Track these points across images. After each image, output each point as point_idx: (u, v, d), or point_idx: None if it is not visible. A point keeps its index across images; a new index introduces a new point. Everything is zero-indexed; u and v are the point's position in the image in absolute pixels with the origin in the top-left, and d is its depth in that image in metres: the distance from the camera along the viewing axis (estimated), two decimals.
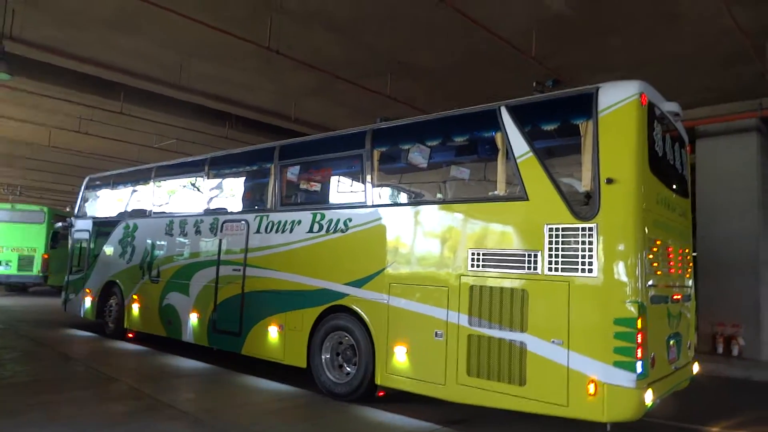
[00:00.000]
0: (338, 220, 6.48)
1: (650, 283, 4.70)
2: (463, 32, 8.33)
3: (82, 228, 11.31)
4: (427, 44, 9.07)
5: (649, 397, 4.38)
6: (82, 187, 11.85)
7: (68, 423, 4.66)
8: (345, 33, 8.79)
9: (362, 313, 6.04)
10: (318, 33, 8.80)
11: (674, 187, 5.62)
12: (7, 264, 18.05)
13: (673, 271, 5.36)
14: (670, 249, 5.29)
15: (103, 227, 10.62)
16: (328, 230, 6.56)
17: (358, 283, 6.14)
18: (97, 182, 11.59)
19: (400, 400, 5.86)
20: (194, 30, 8.53)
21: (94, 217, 11.19)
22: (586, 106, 4.88)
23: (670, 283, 5.30)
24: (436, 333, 5.39)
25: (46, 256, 18.37)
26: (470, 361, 5.11)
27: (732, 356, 10.10)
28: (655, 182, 4.98)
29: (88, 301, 10.59)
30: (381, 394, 5.92)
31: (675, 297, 5.36)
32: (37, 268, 18.36)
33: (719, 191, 10.70)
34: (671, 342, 5.20)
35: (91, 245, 10.82)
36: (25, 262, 18.25)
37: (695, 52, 8.70)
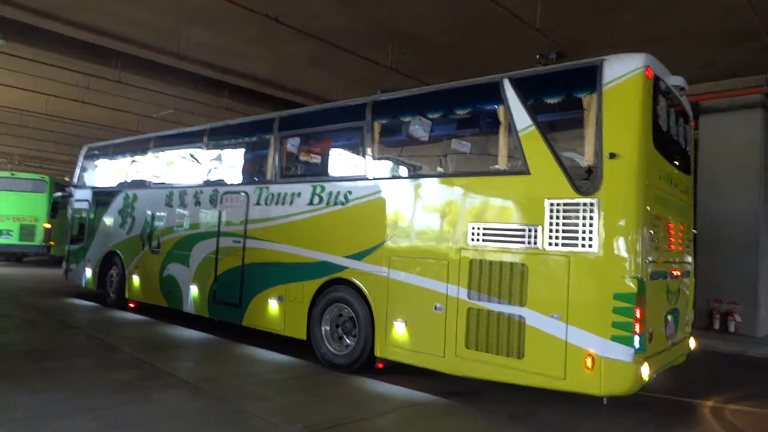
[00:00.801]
0: (338, 193, 6.45)
1: (650, 258, 4.70)
2: (466, 2, 8.15)
3: (81, 198, 11.28)
4: (430, 14, 8.87)
5: (645, 372, 4.42)
6: (81, 157, 11.77)
7: (69, 389, 4.72)
8: (346, 1, 8.60)
9: (362, 285, 6.06)
10: (318, 1, 8.61)
11: (677, 162, 5.58)
12: (7, 233, 17.80)
13: (673, 247, 5.36)
14: (670, 225, 5.28)
15: (102, 197, 10.59)
16: (328, 203, 6.53)
17: (358, 256, 6.15)
18: (96, 152, 11.50)
19: (399, 372, 5.93)
20: None
21: (93, 187, 11.14)
22: (591, 78, 4.80)
23: (670, 259, 5.31)
24: (435, 306, 5.42)
25: (49, 226, 18.08)
26: (469, 334, 5.15)
27: (728, 332, 10.19)
28: (657, 158, 4.94)
29: (89, 271, 10.63)
30: (380, 366, 5.98)
31: (674, 273, 5.37)
32: (39, 238, 18.11)
33: (722, 168, 10.63)
34: (669, 317, 5.23)
35: (91, 215, 10.80)
36: (26, 231, 17.98)
37: (703, 28, 8.53)
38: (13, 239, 17.88)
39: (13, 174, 19.08)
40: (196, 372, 5.75)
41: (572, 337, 4.57)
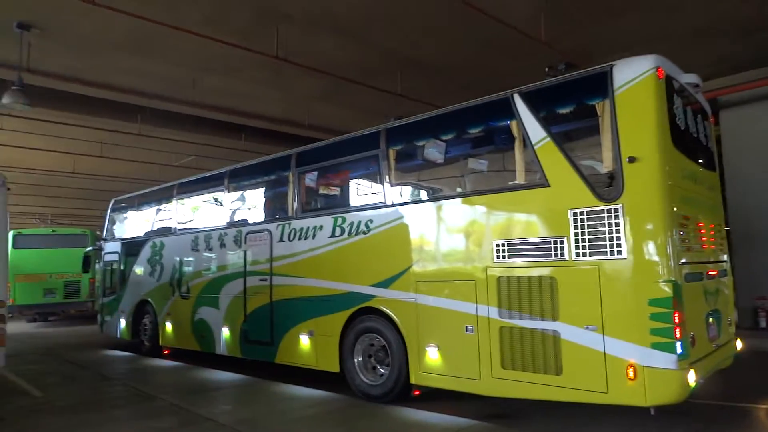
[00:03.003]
0: (359, 222, 6.47)
1: (683, 260, 4.57)
2: (469, 23, 8.25)
3: (111, 250, 11.55)
4: (434, 39, 9.00)
5: (692, 378, 4.25)
6: (108, 210, 12.09)
7: None
8: (350, 35, 8.79)
9: (391, 313, 6.01)
10: (324, 37, 8.82)
11: (700, 160, 5.47)
12: (52, 292, 17.10)
13: (705, 246, 5.21)
14: (700, 224, 5.14)
15: (131, 248, 10.82)
16: (350, 233, 6.55)
17: (385, 284, 6.12)
18: (122, 204, 11.81)
19: (437, 398, 5.82)
20: (202, 45, 8.64)
21: (122, 239, 11.41)
22: (602, 85, 4.77)
23: (704, 259, 5.15)
24: (466, 328, 5.33)
25: (93, 280, 17.20)
26: (504, 353, 5.04)
27: None
28: (679, 157, 4.84)
29: (122, 322, 10.80)
30: (416, 393, 5.89)
31: (710, 273, 5.21)
32: (85, 293, 17.49)
33: (748, 161, 10.39)
34: (710, 320, 5.04)
35: (122, 266, 11.03)
36: (71, 288, 17.35)
37: (712, 21, 8.42)
38: (57, 297, 17.28)
39: (54, 231, 18.75)
40: (233, 414, 5.72)
41: (610, 349, 4.43)
